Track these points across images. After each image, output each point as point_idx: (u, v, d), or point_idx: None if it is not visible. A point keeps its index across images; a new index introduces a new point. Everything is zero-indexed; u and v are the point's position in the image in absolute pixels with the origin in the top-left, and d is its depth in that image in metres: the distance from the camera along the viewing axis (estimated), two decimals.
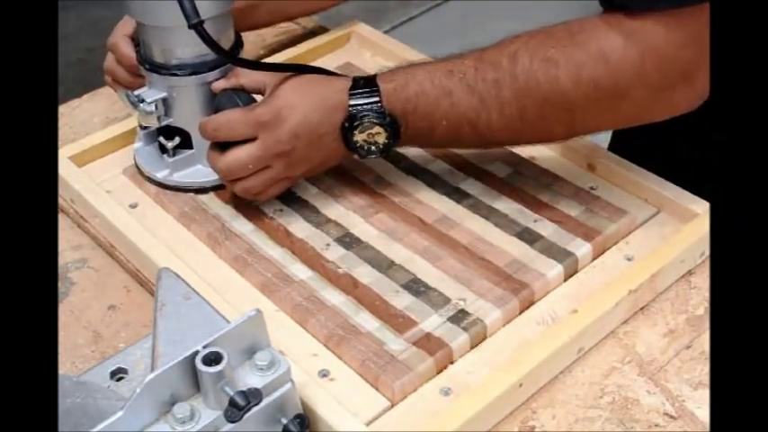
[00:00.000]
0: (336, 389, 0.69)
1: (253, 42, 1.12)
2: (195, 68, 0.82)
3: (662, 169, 0.86)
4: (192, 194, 0.86)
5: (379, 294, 0.75)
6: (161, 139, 0.86)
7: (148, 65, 0.83)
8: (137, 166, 0.89)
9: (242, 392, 0.57)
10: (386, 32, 1.13)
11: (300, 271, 0.78)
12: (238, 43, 0.85)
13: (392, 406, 0.68)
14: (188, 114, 0.84)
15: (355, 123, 0.77)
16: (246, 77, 0.81)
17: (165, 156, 0.86)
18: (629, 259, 0.79)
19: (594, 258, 0.80)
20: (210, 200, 0.86)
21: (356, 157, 0.80)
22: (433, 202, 0.85)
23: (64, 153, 0.90)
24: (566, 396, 0.70)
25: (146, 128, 0.88)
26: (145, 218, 0.84)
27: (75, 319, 0.77)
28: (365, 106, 0.76)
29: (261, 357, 0.59)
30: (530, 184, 0.86)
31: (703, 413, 0.68)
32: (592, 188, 0.86)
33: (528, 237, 0.80)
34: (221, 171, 0.80)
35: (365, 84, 0.77)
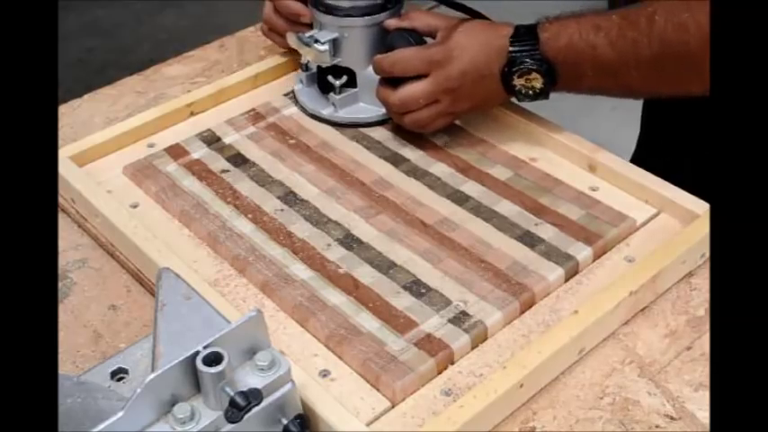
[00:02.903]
0: (337, 389, 0.69)
1: (253, 42, 1.12)
2: (367, 10, 0.91)
3: (662, 170, 0.86)
4: (192, 194, 0.86)
5: (379, 295, 0.75)
6: (329, 77, 0.94)
7: (323, 7, 0.91)
8: (300, 106, 0.97)
9: (242, 393, 0.57)
10: None
11: (301, 271, 0.78)
12: None
13: (393, 406, 0.68)
14: (356, 54, 0.92)
15: (514, 68, 0.83)
16: (419, 21, 0.90)
17: (330, 94, 0.94)
18: (629, 260, 0.79)
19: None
20: (211, 199, 0.86)
21: (514, 99, 0.87)
22: (435, 205, 0.85)
23: (64, 153, 0.90)
24: (566, 397, 0.70)
25: (307, 69, 0.97)
26: (145, 218, 0.84)
27: (76, 319, 0.77)
28: (523, 53, 0.83)
29: (261, 357, 0.59)
30: (531, 188, 0.86)
31: (704, 414, 0.68)
32: (592, 189, 0.86)
33: (529, 240, 0.80)
34: (394, 105, 0.87)
35: (525, 32, 0.84)
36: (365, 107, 0.95)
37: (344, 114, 0.94)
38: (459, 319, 0.73)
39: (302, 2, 0.94)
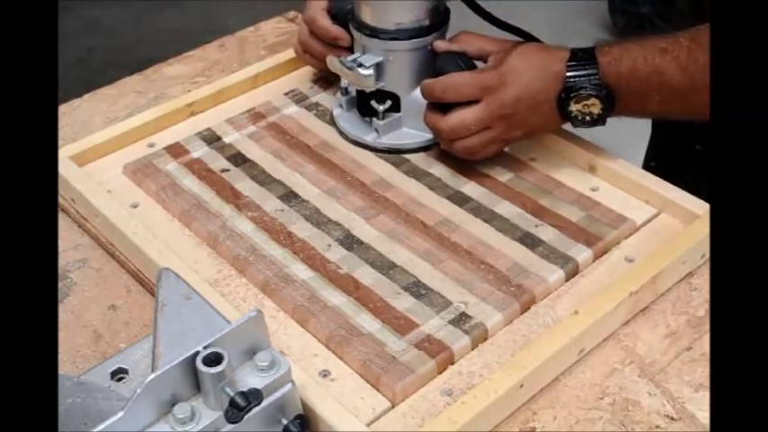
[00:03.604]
0: (337, 389, 0.69)
1: (253, 42, 1.12)
2: (414, 33, 0.87)
3: (662, 171, 0.86)
4: (192, 194, 0.86)
5: (380, 296, 0.75)
6: (373, 102, 0.90)
7: (367, 30, 0.87)
8: (340, 131, 0.93)
9: (242, 393, 0.57)
10: None
11: (301, 271, 0.78)
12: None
13: (393, 406, 0.68)
14: (401, 78, 0.89)
15: (572, 94, 0.81)
16: (470, 43, 0.87)
17: (373, 119, 0.91)
18: (629, 261, 0.79)
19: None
20: (212, 199, 0.86)
21: (570, 124, 0.84)
22: (435, 205, 0.85)
23: (64, 153, 0.90)
24: (566, 397, 0.70)
25: (347, 93, 0.94)
26: (145, 217, 0.84)
27: (76, 318, 0.77)
28: (582, 78, 0.80)
29: (261, 358, 0.59)
30: (531, 189, 0.86)
31: (704, 415, 0.68)
32: (593, 190, 0.86)
33: (529, 241, 0.80)
34: (443, 131, 0.84)
35: (583, 56, 0.81)
36: (409, 132, 0.91)
37: (388, 140, 0.91)
38: (460, 320, 0.73)
39: (340, 24, 0.91)
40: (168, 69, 1.09)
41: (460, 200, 0.85)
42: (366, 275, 0.77)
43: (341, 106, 0.95)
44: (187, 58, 1.10)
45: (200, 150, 0.92)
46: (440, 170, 0.89)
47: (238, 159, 0.91)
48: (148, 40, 2.71)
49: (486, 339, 0.73)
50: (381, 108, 0.90)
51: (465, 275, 0.77)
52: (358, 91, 0.92)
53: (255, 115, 0.97)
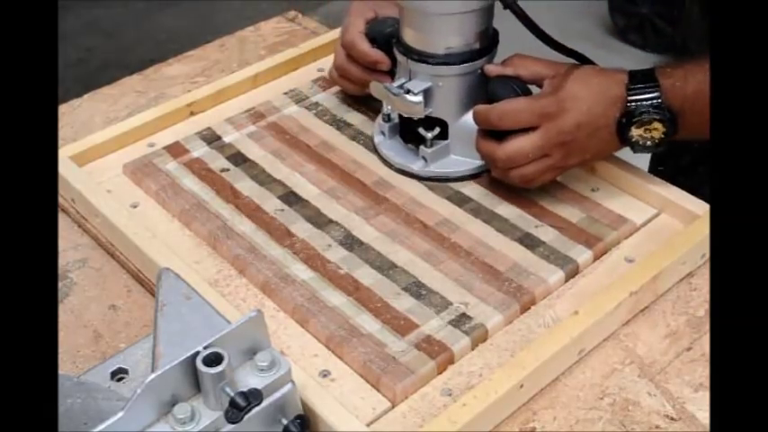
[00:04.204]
0: (337, 389, 0.69)
1: (253, 42, 1.12)
2: (464, 57, 0.83)
3: (663, 171, 0.86)
4: (192, 193, 0.86)
5: (380, 296, 0.75)
6: (421, 129, 0.86)
7: (415, 55, 0.84)
8: (383, 159, 0.90)
9: (242, 393, 0.57)
10: None
11: (301, 271, 0.78)
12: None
13: (393, 406, 0.68)
14: (450, 104, 0.85)
15: (633, 119, 0.78)
16: (523, 67, 0.84)
17: (421, 147, 0.87)
18: (629, 261, 0.79)
19: None
20: (212, 198, 0.86)
21: (630, 149, 0.81)
22: (435, 206, 0.85)
23: (64, 152, 0.90)
24: (566, 397, 0.69)
25: (389, 120, 0.90)
26: (145, 217, 0.84)
27: (76, 318, 0.77)
28: (644, 102, 0.77)
29: (261, 358, 0.59)
30: (531, 190, 0.86)
31: (704, 415, 0.68)
32: (593, 190, 0.86)
33: (529, 242, 0.80)
34: (499, 160, 0.81)
35: (644, 78, 0.78)
36: (457, 160, 0.87)
37: (436, 169, 0.87)
38: (460, 321, 0.73)
39: (379, 48, 0.88)
40: (168, 69, 1.09)
41: (460, 200, 0.85)
42: (366, 276, 0.77)
43: (382, 133, 0.91)
44: (187, 58, 1.10)
45: (200, 150, 0.92)
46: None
47: (238, 159, 0.91)
48: (148, 40, 2.71)
49: (486, 340, 0.73)
50: (430, 135, 0.86)
51: (465, 276, 0.77)
52: (401, 117, 0.88)
53: (255, 115, 0.97)
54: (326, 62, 1.04)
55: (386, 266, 0.78)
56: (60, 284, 0.80)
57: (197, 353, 0.56)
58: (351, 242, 0.81)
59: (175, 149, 0.92)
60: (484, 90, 0.84)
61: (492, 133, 0.81)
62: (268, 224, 0.83)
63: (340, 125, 0.95)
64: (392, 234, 0.82)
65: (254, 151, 0.92)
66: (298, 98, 0.99)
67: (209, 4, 2.83)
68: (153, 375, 0.55)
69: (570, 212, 0.83)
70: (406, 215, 0.84)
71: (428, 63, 0.83)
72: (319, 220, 0.83)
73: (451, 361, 0.71)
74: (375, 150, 0.90)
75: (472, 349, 0.72)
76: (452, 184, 0.87)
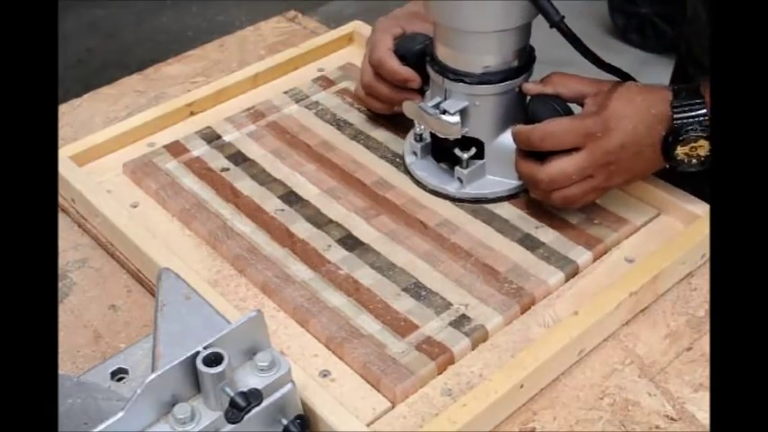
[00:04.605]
0: (337, 389, 0.69)
1: (253, 42, 1.12)
2: (502, 75, 0.80)
3: (663, 171, 0.86)
4: (192, 193, 0.86)
5: (380, 297, 0.75)
6: (457, 150, 0.83)
7: (452, 74, 0.81)
8: (416, 181, 0.87)
9: (242, 393, 0.57)
10: None
11: (301, 271, 0.78)
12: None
13: (393, 407, 0.68)
14: (487, 123, 0.82)
15: (680, 137, 0.75)
16: (564, 85, 0.81)
17: (456, 168, 0.84)
18: (629, 261, 0.79)
19: None
20: (211, 198, 0.86)
21: (674, 168, 0.79)
22: (435, 206, 0.85)
23: (64, 152, 0.90)
24: (566, 398, 0.69)
25: (421, 140, 0.87)
26: (145, 217, 0.84)
27: (76, 318, 0.77)
28: (691, 119, 0.75)
29: (261, 358, 0.59)
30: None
31: (704, 415, 0.68)
32: None
33: (529, 243, 0.80)
34: (542, 181, 0.78)
35: (688, 95, 0.76)
36: (494, 180, 0.85)
37: (472, 190, 0.84)
38: (460, 322, 0.73)
39: (409, 65, 0.86)
40: (168, 69, 1.09)
41: (461, 201, 0.85)
42: (366, 276, 0.77)
43: (414, 153, 0.88)
44: (187, 58, 1.10)
45: (199, 149, 0.92)
46: None
47: (238, 158, 0.91)
48: (148, 40, 2.71)
49: (486, 341, 0.73)
50: (466, 156, 0.83)
51: (465, 277, 0.77)
52: (433, 136, 0.86)
53: (255, 114, 0.97)
54: (326, 62, 1.05)
55: (386, 267, 0.78)
56: (60, 284, 0.80)
57: (197, 353, 0.56)
58: (351, 242, 0.81)
59: (175, 148, 0.92)
60: (521, 108, 0.82)
61: (532, 153, 0.79)
62: (268, 224, 0.83)
63: (340, 124, 0.95)
64: (392, 234, 0.82)
65: (254, 150, 0.92)
66: (298, 97, 0.99)
67: (209, 4, 2.83)
68: (153, 375, 0.55)
69: (570, 213, 0.83)
70: (407, 215, 0.84)
71: (465, 82, 0.81)
72: (319, 220, 0.83)
73: (452, 362, 0.71)
74: (406, 171, 0.88)
75: (472, 350, 0.72)
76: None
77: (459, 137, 0.82)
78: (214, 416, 0.57)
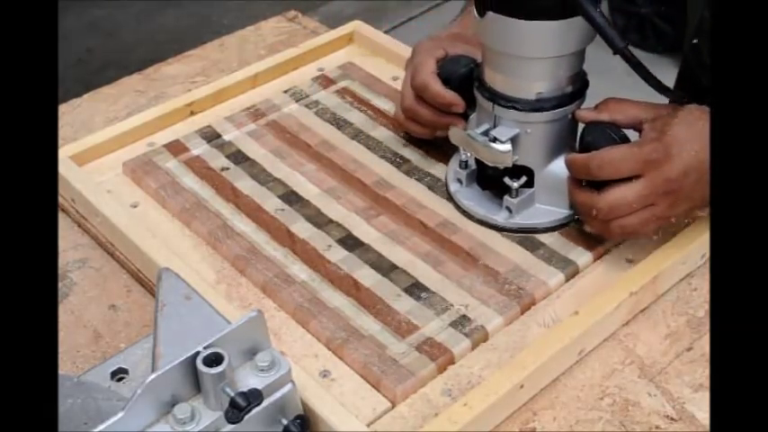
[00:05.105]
0: (337, 389, 0.69)
1: (253, 42, 1.12)
2: (556, 102, 0.77)
3: None
4: (192, 192, 0.86)
5: (380, 298, 0.75)
6: (506, 179, 0.80)
7: (503, 100, 0.78)
8: (461, 209, 0.84)
9: (243, 393, 0.57)
10: (386, 32, 1.13)
11: (302, 272, 0.78)
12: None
13: (393, 407, 0.68)
14: (538, 151, 0.79)
15: None
16: (619, 111, 0.78)
17: (505, 197, 0.81)
18: (629, 261, 0.79)
19: None
20: (211, 197, 0.86)
21: None
22: (435, 206, 0.85)
23: (64, 152, 0.90)
24: (566, 398, 0.69)
25: (467, 167, 0.84)
26: (145, 217, 0.84)
27: (76, 319, 0.77)
28: None
29: (262, 358, 0.59)
30: None
31: (704, 415, 0.68)
32: None
33: (529, 244, 0.80)
34: (600, 210, 0.75)
35: None
36: (543, 210, 0.81)
37: (522, 220, 0.81)
38: (460, 323, 0.73)
39: (453, 89, 0.83)
40: (168, 69, 1.09)
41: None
42: (366, 277, 0.77)
43: (459, 181, 0.85)
44: (187, 58, 1.10)
45: (199, 148, 0.92)
46: (440, 170, 0.89)
47: (238, 157, 0.91)
48: (148, 40, 2.71)
49: (486, 342, 0.73)
50: (516, 185, 0.80)
51: (465, 278, 0.77)
52: (479, 163, 0.82)
53: (255, 113, 0.97)
54: (326, 62, 1.05)
55: (386, 267, 0.78)
56: (60, 284, 0.80)
57: (197, 353, 0.56)
58: (351, 242, 0.81)
59: (175, 147, 0.92)
60: (573, 135, 0.80)
61: (588, 182, 0.76)
62: (268, 224, 0.83)
63: (340, 124, 0.95)
64: (392, 235, 0.82)
65: (254, 150, 0.92)
66: (297, 96, 0.99)
67: (209, 4, 2.83)
68: (153, 375, 0.55)
69: None
70: (407, 216, 0.84)
71: (517, 109, 0.77)
72: (319, 220, 0.83)
73: (452, 363, 0.71)
74: (450, 198, 0.85)
75: (472, 350, 0.72)
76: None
77: (510, 165, 0.79)
78: (214, 416, 0.57)
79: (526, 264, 0.78)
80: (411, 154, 0.91)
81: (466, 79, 0.82)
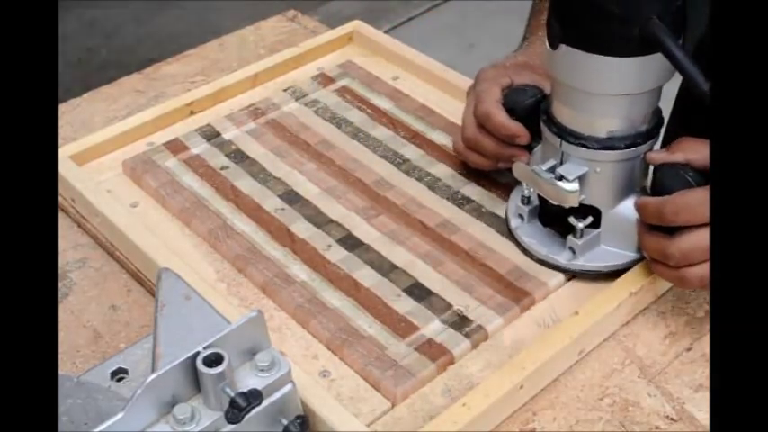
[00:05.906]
0: (337, 389, 0.69)
1: (253, 42, 1.12)
2: (629, 141, 0.73)
3: None
4: (192, 191, 0.86)
5: (380, 298, 0.75)
6: (572, 219, 0.76)
7: (572, 137, 0.73)
8: (522, 248, 0.80)
9: (243, 393, 0.57)
10: (386, 32, 1.13)
11: (302, 271, 0.78)
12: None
13: (393, 407, 0.68)
14: (606, 191, 0.75)
15: None
16: (694, 151, 0.73)
17: (569, 237, 0.77)
18: None
19: None
20: (211, 196, 0.86)
21: None
22: (435, 206, 0.85)
23: (64, 152, 0.90)
24: (566, 398, 0.70)
25: (529, 203, 0.80)
26: (145, 217, 0.84)
27: (76, 319, 0.77)
28: None
29: (262, 358, 0.59)
30: None
31: (704, 416, 0.68)
32: None
33: None
34: (673, 256, 0.70)
35: None
36: (608, 251, 0.77)
37: (586, 262, 0.77)
38: (460, 323, 0.73)
39: (517, 119, 0.79)
40: (168, 69, 1.09)
41: (461, 201, 0.85)
42: (366, 277, 0.77)
43: (520, 217, 0.81)
44: (187, 58, 1.10)
45: (199, 147, 0.92)
46: (440, 170, 0.89)
47: (238, 156, 0.91)
48: (148, 40, 2.71)
49: (486, 342, 0.73)
50: (581, 225, 0.76)
51: (465, 278, 0.77)
52: (542, 200, 0.79)
53: (255, 112, 0.97)
54: (327, 62, 1.05)
55: (386, 267, 0.78)
56: (60, 284, 0.80)
57: (197, 353, 0.56)
58: (351, 242, 0.81)
59: (175, 146, 0.92)
60: (645, 175, 0.76)
61: (660, 226, 0.72)
62: (268, 223, 0.83)
63: (340, 123, 0.95)
64: (392, 235, 0.82)
65: (253, 149, 0.92)
66: (297, 95, 0.99)
67: (209, 4, 2.82)
68: (153, 375, 0.55)
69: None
70: (407, 215, 0.84)
71: (586, 147, 0.73)
72: (319, 220, 0.83)
73: (452, 363, 0.71)
74: (509, 234, 0.81)
75: (472, 351, 0.72)
76: (453, 185, 0.87)
77: (577, 205, 0.75)
78: (214, 416, 0.57)
79: (526, 264, 0.78)
80: (411, 153, 0.91)
81: (532, 110, 0.78)
